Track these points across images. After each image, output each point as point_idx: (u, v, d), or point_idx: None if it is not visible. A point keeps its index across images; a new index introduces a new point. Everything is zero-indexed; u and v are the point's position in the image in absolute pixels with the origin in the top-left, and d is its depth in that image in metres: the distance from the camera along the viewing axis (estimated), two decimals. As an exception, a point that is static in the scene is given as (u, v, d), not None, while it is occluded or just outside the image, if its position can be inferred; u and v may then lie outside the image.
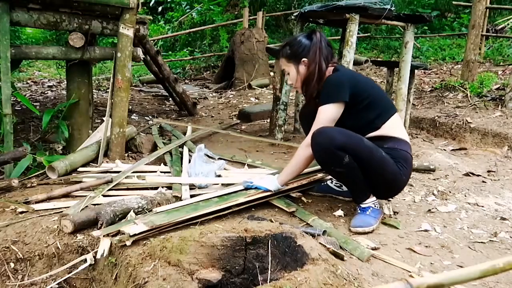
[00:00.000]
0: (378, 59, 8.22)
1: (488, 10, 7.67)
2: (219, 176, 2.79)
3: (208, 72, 10.05)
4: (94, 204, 2.31)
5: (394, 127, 2.23)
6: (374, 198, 2.27)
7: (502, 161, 3.55)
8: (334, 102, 2.15)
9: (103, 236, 1.92)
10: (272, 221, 2.11)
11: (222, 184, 2.69)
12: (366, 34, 11.03)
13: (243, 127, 4.85)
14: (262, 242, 1.70)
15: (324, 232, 1.99)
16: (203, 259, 1.64)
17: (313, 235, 1.90)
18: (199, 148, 3.16)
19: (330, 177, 2.60)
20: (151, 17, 4.60)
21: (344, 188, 2.54)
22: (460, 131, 4.27)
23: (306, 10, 3.69)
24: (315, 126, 2.14)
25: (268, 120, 4.70)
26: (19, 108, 5.04)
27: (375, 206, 2.24)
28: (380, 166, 2.12)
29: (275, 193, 2.36)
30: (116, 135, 3.26)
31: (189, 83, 8.88)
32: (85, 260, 1.95)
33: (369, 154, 2.09)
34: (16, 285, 1.97)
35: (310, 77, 2.24)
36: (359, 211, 2.25)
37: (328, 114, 2.16)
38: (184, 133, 4.15)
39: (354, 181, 2.18)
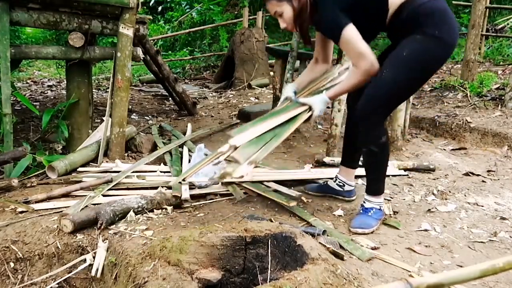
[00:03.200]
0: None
1: (488, 9, 7.67)
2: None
3: (208, 71, 10.05)
4: (94, 204, 2.31)
5: None
6: (382, 199, 2.25)
7: (502, 161, 3.55)
8: (342, 30, 1.97)
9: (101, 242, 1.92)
10: (272, 221, 2.11)
11: (222, 184, 2.69)
12: (366, 34, 11.01)
13: (243, 126, 4.84)
14: (262, 242, 1.70)
15: (324, 232, 1.99)
16: (203, 258, 1.64)
17: (313, 235, 1.91)
18: (199, 148, 3.16)
19: (328, 177, 2.60)
20: (151, 17, 4.60)
21: (345, 187, 2.53)
22: (460, 131, 4.27)
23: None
24: (354, 53, 1.97)
25: (268, 120, 4.69)
26: (19, 108, 5.04)
27: (379, 207, 2.23)
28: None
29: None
30: (116, 135, 3.26)
31: (189, 82, 8.88)
32: (85, 260, 1.95)
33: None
34: (16, 284, 1.98)
35: (303, 9, 2.10)
36: (361, 211, 2.25)
37: (350, 38, 1.96)
38: (184, 133, 4.15)
39: (379, 168, 2.18)
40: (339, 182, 2.55)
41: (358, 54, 1.95)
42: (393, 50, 2.05)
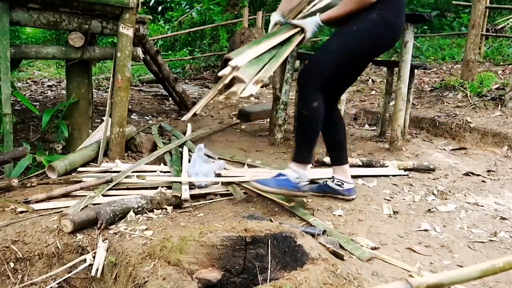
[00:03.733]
0: (378, 59, 8.20)
1: (488, 9, 7.68)
2: (219, 175, 2.79)
3: (208, 71, 10.05)
4: (94, 204, 2.31)
5: None
6: (302, 171, 2.28)
7: (502, 161, 3.55)
8: None
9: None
10: (272, 221, 2.11)
11: (222, 184, 2.69)
12: (366, 34, 11.01)
13: (242, 126, 4.85)
14: (262, 242, 1.70)
15: (324, 232, 1.99)
16: (203, 258, 1.64)
17: (313, 235, 1.91)
18: (199, 147, 3.16)
19: (329, 176, 2.60)
20: (150, 17, 4.60)
21: (345, 186, 2.53)
22: (460, 131, 4.27)
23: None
24: None
25: (268, 120, 4.70)
26: (19, 108, 5.04)
27: (294, 179, 2.26)
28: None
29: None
30: (116, 135, 3.26)
31: (189, 82, 8.88)
32: (85, 260, 1.95)
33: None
34: (15, 284, 1.98)
35: None
36: (278, 173, 2.33)
37: None
38: (184, 133, 4.15)
39: (305, 133, 2.25)
40: (337, 181, 2.55)
41: None
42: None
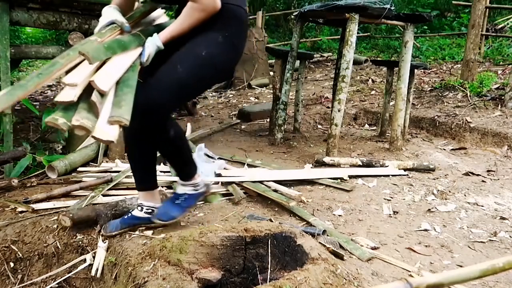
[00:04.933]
0: (378, 59, 8.22)
1: (487, 9, 7.67)
2: (219, 175, 2.79)
3: (207, 71, 10.04)
4: (94, 204, 2.31)
5: None
6: (197, 179, 2.05)
7: (502, 161, 3.55)
8: None
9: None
10: (271, 221, 2.11)
11: (222, 184, 2.69)
12: (365, 34, 11.03)
13: (242, 126, 4.85)
14: (261, 242, 1.70)
15: (324, 232, 1.99)
16: (203, 258, 1.64)
17: (313, 235, 1.91)
18: (199, 147, 3.16)
19: (138, 202, 2.10)
20: (150, 17, 4.59)
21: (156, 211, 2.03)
22: (459, 131, 4.27)
23: (305, 10, 3.69)
24: None
25: (268, 120, 4.70)
26: (19, 108, 5.04)
27: (192, 191, 2.04)
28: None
29: None
30: (115, 135, 3.26)
31: (189, 82, 8.87)
32: (85, 260, 1.95)
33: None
34: (15, 284, 1.98)
35: None
36: (171, 197, 2.07)
37: None
38: (184, 133, 4.15)
39: (182, 152, 1.96)
40: (147, 209, 2.03)
41: None
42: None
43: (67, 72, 1.47)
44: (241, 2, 1.84)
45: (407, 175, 3.08)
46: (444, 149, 3.93)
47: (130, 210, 2.08)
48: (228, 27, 1.80)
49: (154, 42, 1.68)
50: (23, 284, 1.97)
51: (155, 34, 1.71)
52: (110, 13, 1.75)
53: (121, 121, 1.39)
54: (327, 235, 1.99)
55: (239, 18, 1.83)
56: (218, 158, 3.25)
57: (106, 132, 1.37)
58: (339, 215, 2.35)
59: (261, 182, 2.69)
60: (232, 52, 1.84)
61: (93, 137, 1.36)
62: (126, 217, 2.04)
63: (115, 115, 1.40)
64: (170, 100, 1.74)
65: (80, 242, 2.01)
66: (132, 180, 2.71)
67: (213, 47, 1.76)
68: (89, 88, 1.44)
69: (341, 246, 1.93)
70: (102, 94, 1.46)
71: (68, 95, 1.40)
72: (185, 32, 1.73)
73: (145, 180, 2.05)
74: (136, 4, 1.97)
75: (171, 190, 2.50)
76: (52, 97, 6.27)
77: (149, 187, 2.04)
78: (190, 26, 1.71)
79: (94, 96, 1.44)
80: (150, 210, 2.02)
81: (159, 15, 2.05)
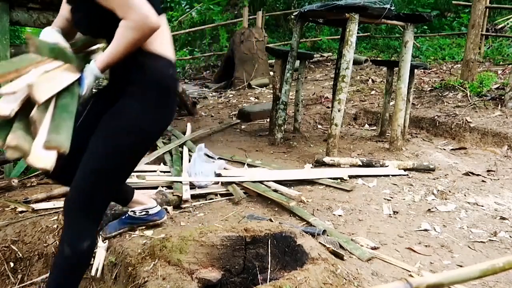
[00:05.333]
0: (378, 59, 8.22)
1: (487, 9, 7.67)
2: (219, 175, 2.79)
3: (207, 71, 10.05)
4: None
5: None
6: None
7: (502, 161, 3.55)
8: None
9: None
10: (271, 221, 2.11)
11: (222, 184, 2.69)
12: (365, 34, 11.02)
13: (242, 126, 4.85)
14: (261, 242, 1.71)
15: (324, 232, 1.99)
16: (203, 258, 1.64)
17: (313, 235, 1.91)
18: (199, 147, 3.16)
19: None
20: (150, 17, 4.58)
21: (150, 212, 2.05)
22: (459, 131, 4.27)
23: (305, 10, 3.69)
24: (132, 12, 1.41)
25: (268, 120, 4.70)
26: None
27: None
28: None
29: None
30: (115, 135, 3.26)
31: (189, 82, 8.88)
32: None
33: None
34: (15, 284, 1.98)
35: None
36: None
37: None
38: (184, 133, 4.15)
39: (62, 278, 1.55)
40: (140, 211, 2.01)
41: (124, 2, 1.42)
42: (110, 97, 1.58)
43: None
44: (168, 67, 1.57)
45: (407, 175, 3.08)
46: (444, 149, 3.93)
47: (127, 211, 2.06)
48: (149, 92, 1.54)
49: (92, 72, 1.49)
50: (23, 284, 1.97)
51: (92, 62, 1.51)
52: (51, 35, 1.59)
53: (60, 147, 1.24)
54: (327, 235, 1.99)
55: (165, 83, 1.57)
56: (218, 158, 3.25)
57: (42, 158, 1.23)
58: (339, 215, 2.35)
59: (261, 182, 2.69)
60: (158, 119, 1.58)
61: (27, 162, 1.24)
62: (123, 217, 2.03)
63: (52, 140, 1.25)
64: (89, 200, 1.51)
65: (80, 242, 2.00)
66: (132, 180, 2.71)
67: (132, 120, 1.52)
68: (28, 105, 1.30)
69: (341, 246, 1.93)
70: (42, 114, 1.30)
71: (4, 109, 1.23)
72: (123, 56, 1.47)
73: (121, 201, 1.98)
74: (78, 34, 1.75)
75: (171, 190, 2.50)
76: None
77: (126, 201, 1.95)
78: (127, 49, 1.46)
79: (34, 113, 1.29)
80: (144, 212, 2.01)
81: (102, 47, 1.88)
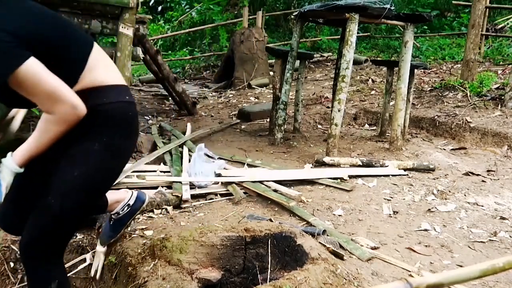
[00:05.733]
0: (378, 59, 8.22)
1: (487, 9, 7.67)
2: (219, 175, 2.79)
3: (207, 71, 10.05)
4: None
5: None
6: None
7: (502, 161, 3.55)
8: (19, 65, 1.25)
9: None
10: (271, 221, 2.11)
11: (222, 184, 2.69)
12: (365, 34, 11.02)
13: (242, 126, 4.85)
14: (261, 242, 1.71)
15: (324, 232, 1.99)
16: (203, 258, 1.64)
17: (313, 235, 1.91)
18: (199, 147, 3.16)
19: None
20: (150, 17, 4.60)
21: (131, 202, 1.89)
22: (459, 131, 4.27)
23: (305, 10, 3.69)
24: (43, 95, 1.30)
25: (268, 120, 4.70)
26: (19, 108, 5.04)
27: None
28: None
29: None
30: (115, 135, 3.26)
31: (189, 82, 8.87)
32: (85, 260, 1.95)
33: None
34: (15, 284, 1.98)
35: None
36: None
37: (34, 74, 1.27)
38: (184, 133, 4.15)
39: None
40: (122, 209, 1.86)
41: (49, 95, 1.29)
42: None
43: None
44: (118, 95, 1.45)
45: (407, 175, 3.08)
46: (444, 149, 3.93)
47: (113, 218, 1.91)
48: (105, 128, 1.43)
49: (9, 168, 1.37)
50: (23, 284, 1.97)
51: (8, 155, 1.39)
52: None
53: None
54: (327, 235, 1.99)
55: (119, 115, 1.45)
56: (218, 158, 3.25)
57: None
58: (339, 215, 2.35)
59: (261, 182, 2.69)
60: (116, 157, 1.48)
61: None
62: (112, 224, 1.89)
63: None
64: (44, 243, 1.41)
65: (80, 242, 2.01)
66: (132, 180, 2.71)
67: (88, 161, 1.41)
68: None
69: (341, 246, 1.93)
70: None
71: None
72: (47, 148, 1.38)
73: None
74: None
75: (171, 190, 2.50)
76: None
77: (104, 208, 1.83)
78: (51, 141, 1.36)
79: None
80: (126, 208, 1.87)
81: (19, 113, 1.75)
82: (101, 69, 1.44)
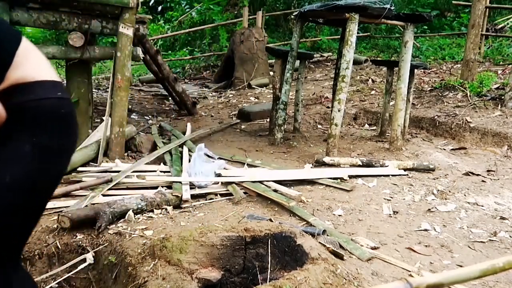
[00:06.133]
0: (378, 59, 8.22)
1: (487, 9, 7.67)
2: (219, 175, 2.79)
3: (207, 71, 10.05)
4: (94, 204, 2.31)
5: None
6: None
7: (502, 161, 3.55)
8: None
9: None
10: (271, 221, 2.11)
11: (222, 184, 2.69)
12: (365, 34, 11.02)
13: (242, 126, 4.85)
14: (261, 242, 1.71)
15: (324, 232, 1.99)
16: (203, 258, 1.64)
17: (312, 235, 1.90)
18: (199, 147, 3.16)
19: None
20: (150, 17, 4.60)
21: None
22: (459, 131, 4.27)
23: (305, 10, 3.69)
24: None
25: (268, 120, 4.70)
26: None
27: None
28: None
29: None
30: (115, 135, 3.26)
31: (189, 82, 8.87)
32: (85, 260, 1.95)
33: None
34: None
35: None
36: None
37: None
38: (184, 133, 4.15)
39: None
40: None
41: None
42: None
43: None
44: (47, 91, 1.27)
45: (407, 175, 3.08)
46: (444, 149, 3.93)
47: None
48: (35, 128, 1.25)
49: None
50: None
51: None
52: None
53: None
54: (327, 235, 1.99)
55: (49, 112, 1.26)
56: (218, 158, 3.25)
57: None
58: (339, 215, 2.35)
59: (261, 182, 2.69)
60: (50, 158, 1.28)
61: None
62: None
63: None
64: None
65: (80, 242, 2.01)
66: (132, 180, 2.71)
67: (20, 163, 1.22)
68: None
69: (341, 246, 1.93)
70: None
71: None
72: None
73: None
74: None
75: (170, 190, 2.50)
76: None
77: None
78: None
79: None
80: None
81: None
82: (30, 65, 1.29)
